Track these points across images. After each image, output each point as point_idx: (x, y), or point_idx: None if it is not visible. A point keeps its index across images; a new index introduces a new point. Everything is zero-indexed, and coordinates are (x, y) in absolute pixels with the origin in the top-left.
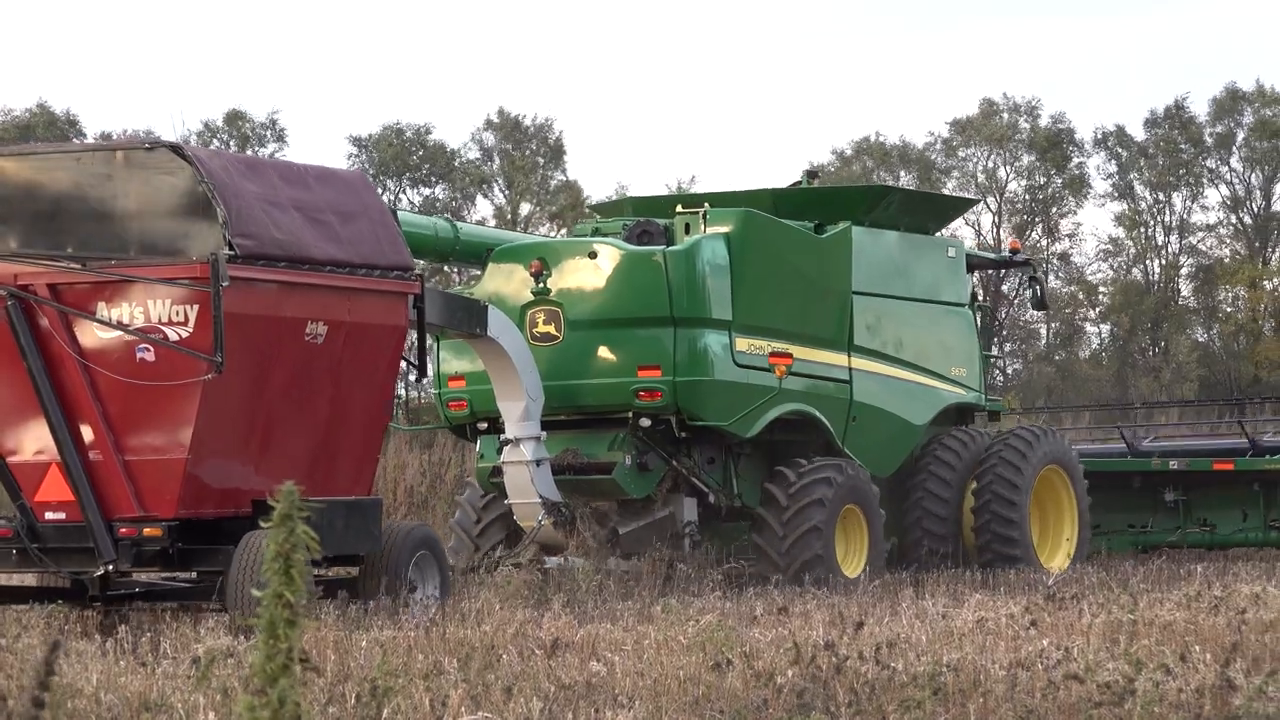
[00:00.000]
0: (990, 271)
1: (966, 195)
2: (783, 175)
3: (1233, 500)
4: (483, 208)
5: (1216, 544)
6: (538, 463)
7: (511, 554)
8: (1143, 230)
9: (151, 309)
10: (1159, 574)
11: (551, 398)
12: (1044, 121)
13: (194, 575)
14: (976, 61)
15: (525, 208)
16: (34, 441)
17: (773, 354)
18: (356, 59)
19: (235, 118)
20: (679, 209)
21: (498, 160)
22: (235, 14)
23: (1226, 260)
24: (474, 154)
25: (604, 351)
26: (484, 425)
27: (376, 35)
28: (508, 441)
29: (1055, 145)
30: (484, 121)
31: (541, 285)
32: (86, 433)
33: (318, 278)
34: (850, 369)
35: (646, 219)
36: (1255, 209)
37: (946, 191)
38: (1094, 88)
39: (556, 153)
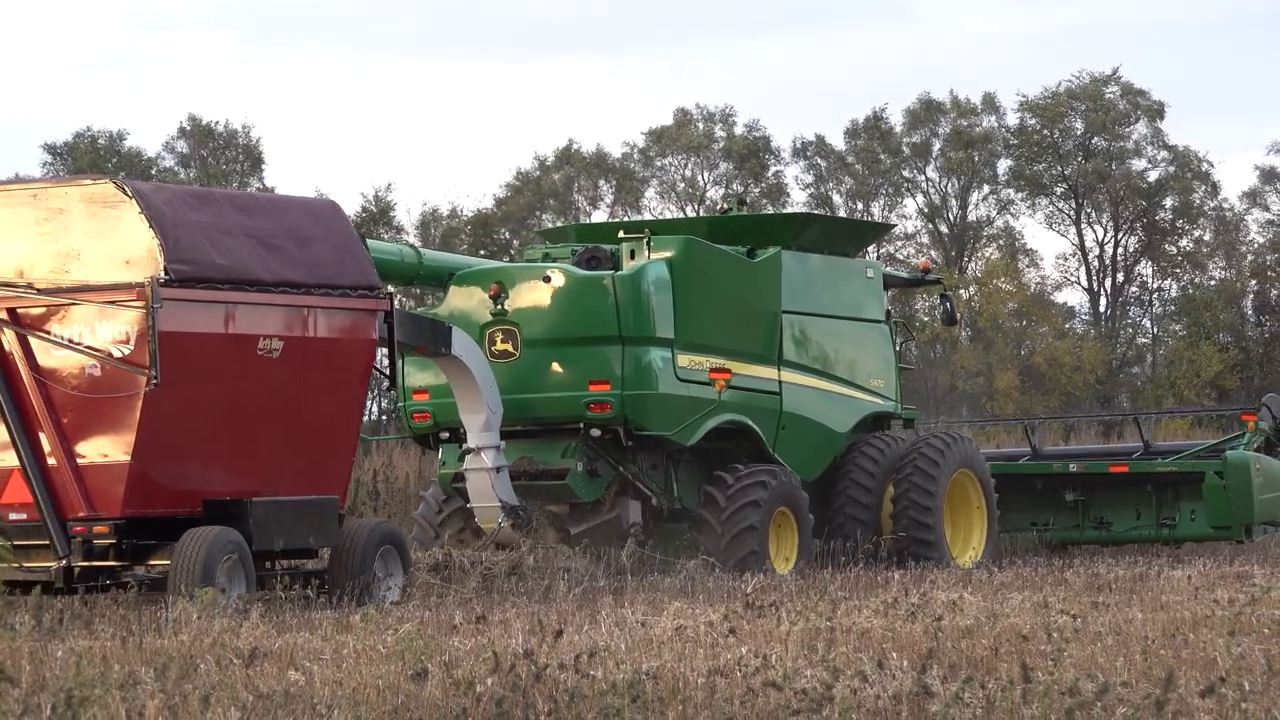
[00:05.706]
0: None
1: (882, 221)
2: (487, 181)
3: (1127, 500)
4: None
5: (1112, 540)
6: (497, 469)
7: (471, 552)
8: None
9: (98, 329)
10: (856, 581)
11: (509, 410)
12: (739, 130)
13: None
14: (677, 78)
15: None
16: None
17: (713, 369)
18: (47, 63)
19: None
20: (622, 235)
21: (194, 168)
22: None
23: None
24: (169, 162)
25: (557, 367)
26: (445, 435)
27: (66, 38)
28: (469, 450)
29: (753, 154)
30: (177, 129)
31: (500, 307)
32: (44, 441)
33: (260, 298)
34: (780, 381)
35: (595, 245)
36: (952, 218)
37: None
38: (794, 100)
39: (255, 160)
